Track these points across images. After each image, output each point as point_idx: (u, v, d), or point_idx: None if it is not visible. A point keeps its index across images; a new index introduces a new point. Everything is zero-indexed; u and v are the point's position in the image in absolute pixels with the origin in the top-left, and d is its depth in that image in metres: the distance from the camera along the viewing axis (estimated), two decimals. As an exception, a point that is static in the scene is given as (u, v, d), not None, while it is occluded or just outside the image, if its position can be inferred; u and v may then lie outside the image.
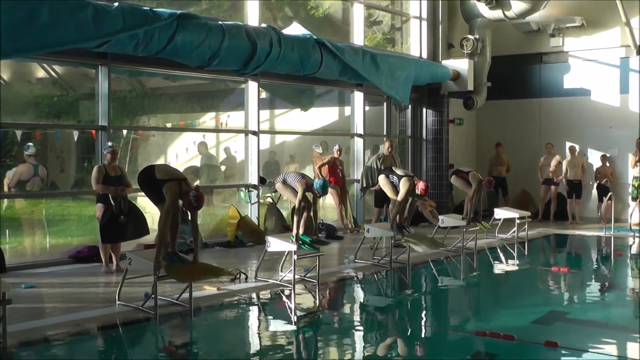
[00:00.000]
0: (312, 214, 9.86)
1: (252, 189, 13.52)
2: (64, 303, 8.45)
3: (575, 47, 18.17)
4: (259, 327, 8.43)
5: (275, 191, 11.73)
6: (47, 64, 12.47)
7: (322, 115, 17.91)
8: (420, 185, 11.08)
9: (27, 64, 12.30)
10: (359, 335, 8.04)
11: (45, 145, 13.59)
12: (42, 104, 13.38)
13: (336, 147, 14.80)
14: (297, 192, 9.62)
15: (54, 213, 13.00)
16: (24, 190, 11.14)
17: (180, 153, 15.79)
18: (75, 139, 12.62)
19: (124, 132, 13.79)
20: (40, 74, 13.36)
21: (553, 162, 17.32)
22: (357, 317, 8.99)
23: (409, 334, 8.21)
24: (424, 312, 9.50)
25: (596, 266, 13.10)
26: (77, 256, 11.04)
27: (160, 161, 15.09)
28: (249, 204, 13.51)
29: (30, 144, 11.39)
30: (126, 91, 14.24)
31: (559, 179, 17.26)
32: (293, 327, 8.25)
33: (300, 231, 9.61)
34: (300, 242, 9.44)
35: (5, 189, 11.01)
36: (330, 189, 14.59)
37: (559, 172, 17.27)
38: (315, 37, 13.22)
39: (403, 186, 11.06)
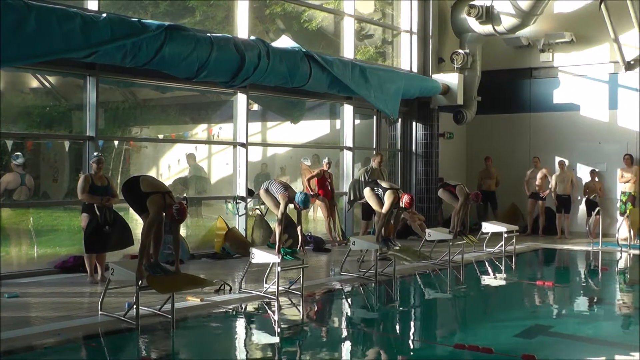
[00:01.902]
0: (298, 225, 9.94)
1: (240, 201, 13.55)
2: (47, 312, 8.44)
3: (564, 63, 18.30)
4: (241, 338, 8.43)
5: (264, 203, 11.76)
6: (39, 74, 12.51)
7: (313, 128, 17.98)
8: (404, 199, 11.10)
9: (20, 73, 12.35)
10: (340, 347, 8.04)
11: (38, 155, 13.60)
12: (34, 113, 13.40)
13: (325, 160, 14.86)
14: (279, 203, 9.67)
15: (43, 223, 13.01)
16: (11, 200, 11.15)
17: (173, 164, 15.83)
18: (67, 149, 12.65)
19: (116, 142, 13.83)
20: (34, 84, 13.39)
21: (539, 176, 17.39)
22: (339, 329, 8.99)
23: (389, 346, 8.20)
24: (407, 324, 9.49)
25: (582, 281, 13.10)
26: (63, 266, 11.06)
27: (152, 172, 15.12)
28: (237, 215, 13.54)
29: (19, 153, 11.40)
30: (119, 102, 14.28)
31: (545, 193, 17.32)
32: (276, 339, 8.26)
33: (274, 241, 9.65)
34: (283, 253, 9.45)
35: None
36: (318, 202, 14.70)
37: (545, 186, 17.33)
38: (304, 50, 13.30)
39: (388, 199, 11.09)
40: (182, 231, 12.63)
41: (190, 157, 14.98)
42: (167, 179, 15.18)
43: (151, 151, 15.51)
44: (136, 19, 10.75)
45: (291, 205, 9.79)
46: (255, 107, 15.77)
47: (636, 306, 10.57)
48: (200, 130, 16.47)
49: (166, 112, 15.87)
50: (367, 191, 11.58)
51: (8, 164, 11.50)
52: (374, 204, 11.46)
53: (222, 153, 15.52)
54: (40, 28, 9.33)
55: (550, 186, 17.26)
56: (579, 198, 17.44)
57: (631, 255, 14.73)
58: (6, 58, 9.18)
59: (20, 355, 7.02)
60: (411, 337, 8.67)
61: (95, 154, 10.49)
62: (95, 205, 9.99)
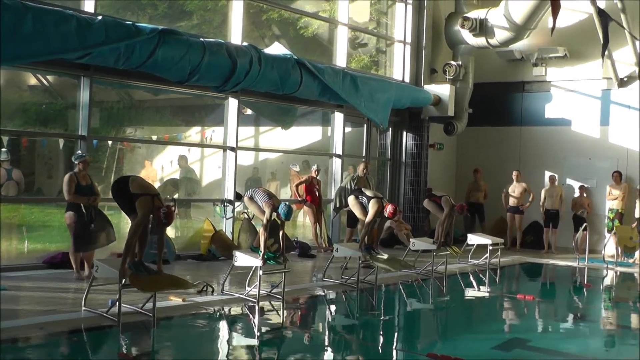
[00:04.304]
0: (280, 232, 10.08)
1: (227, 204, 13.68)
2: (33, 306, 8.59)
3: (557, 77, 18.36)
4: (220, 340, 8.54)
5: (250, 208, 11.92)
6: (33, 72, 12.63)
7: (306, 134, 18.09)
8: (388, 208, 11.21)
9: (18, 71, 12.47)
10: (317, 352, 8.18)
11: (33, 152, 13.73)
12: (30, 110, 13.51)
13: (314, 167, 15.01)
14: (264, 211, 9.82)
15: (35, 219, 13.11)
16: (-1, 195, 11.25)
17: (165, 165, 15.94)
18: (62, 146, 12.77)
19: (109, 142, 13.95)
20: (32, 81, 13.49)
21: (519, 190, 17.46)
22: (317, 334, 9.13)
23: (365, 353, 8.30)
24: (386, 333, 9.55)
25: (564, 296, 13.17)
26: (51, 262, 11.16)
27: (143, 172, 15.23)
28: (224, 218, 13.66)
29: (4, 149, 11.53)
30: (113, 102, 14.39)
31: (524, 207, 17.43)
32: (255, 342, 8.38)
33: (259, 246, 9.78)
34: (266, 257, 9.58)
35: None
36: (306, 208, 14.86)
37: (524, 200, 17.43)
38: (296, 57, 13.42)
39: (372, 207, 11.24)
40: (170, 232, 12.76)
41: (182, 159, 15.09)
42: (158, 180, 15.31)
43: (144, 151, 15.63)
44: (130, 22, 10.89)
45: (274, 214, 9.94)
46: (248, 111, 15.90)
47: (626, 324, 10.63)
48: (193, 133, 16.59)
49: (160, 114, 15.98)
50: (351, 199, 11.72)
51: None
52: (357, 212, 11.59)
53: (214, 156, 15.62)
54: (36, 29, 9.47)
55: (530, 199, 17.31)
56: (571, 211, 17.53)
57: (618, 272, 14.81)
58: (3, 57, 9.30)
59: (3, 346, 7.07)
60: (387, 346, 8.78)
61: (79, 152, 10.58)
62: (82, 204, 10.12)
